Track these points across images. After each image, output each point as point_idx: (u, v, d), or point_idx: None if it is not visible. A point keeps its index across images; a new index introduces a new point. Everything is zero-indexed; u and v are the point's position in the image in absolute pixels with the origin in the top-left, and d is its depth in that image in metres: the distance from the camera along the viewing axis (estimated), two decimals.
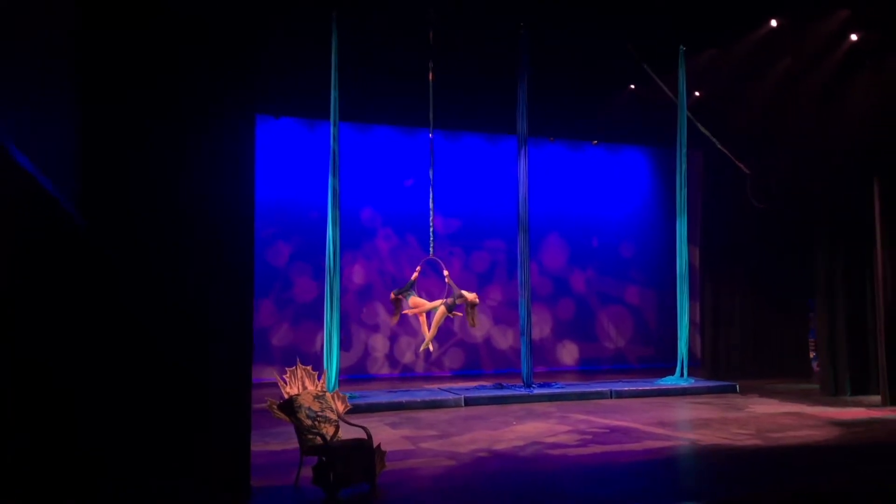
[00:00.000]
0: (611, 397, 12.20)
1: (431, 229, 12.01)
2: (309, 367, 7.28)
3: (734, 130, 14.51)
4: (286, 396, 6.97)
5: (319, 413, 6.94)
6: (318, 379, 7.26)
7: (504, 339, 16.45)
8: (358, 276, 15.33)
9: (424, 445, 8.55)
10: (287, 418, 6.86)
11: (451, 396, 11.46)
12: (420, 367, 15.72)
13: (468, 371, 15.92)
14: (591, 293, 17.26)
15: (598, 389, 12.30)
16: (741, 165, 14.32)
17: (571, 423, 9.97)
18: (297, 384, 7.14)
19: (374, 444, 6.81)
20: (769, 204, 14.44)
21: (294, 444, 8.55)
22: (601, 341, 17.30)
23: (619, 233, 17.51)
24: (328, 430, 6.88)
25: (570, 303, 17.04)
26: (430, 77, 12.00)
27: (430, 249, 12.08)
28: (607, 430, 9.39)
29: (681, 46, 13.44)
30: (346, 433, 7.00)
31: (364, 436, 6.90)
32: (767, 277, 15.39)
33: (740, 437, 8.89)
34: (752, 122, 14.47)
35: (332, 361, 11.04)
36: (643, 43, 13.31)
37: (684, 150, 13.43)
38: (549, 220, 16.55)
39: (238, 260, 6.36)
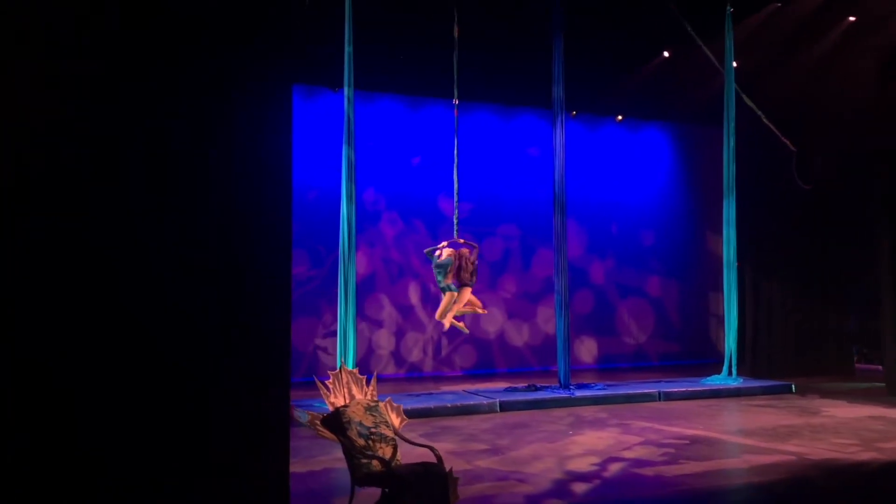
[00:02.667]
0: (659, 399, 10.78)
1: (456, 209, 10.44)
2: (355, 371, 5.69)
3: (775, 103, 13.11)
4: (330, 408, 5.38)
5: (373, 429, 5.35)
6: (367, 385, 5.67)
7: (519, 336, 14.95)
8: (360, 264, 13.64)
9: (481, 464, 7.00)
10: (333, 437, 5.26)
11: (484, 401, 9.92)
12: (428, 367, 14.15)
13: (481, 370, 14.40)
14: (611, 284, 15.84)
15: (646, 391, 10.86)
16: (787, 142, 12.97)
17: (637, 431, 8.49)
18: (343, 392, 5.54)
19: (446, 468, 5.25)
20: (815, 184, 13.11)
21: (323, 462, 6.99)
22: (621, 336, 15.90)
23: (640, 218, 16.10)
24: (385, 452, 5.30)
25: (589, 295, 15.59)
26: (455, 32, 10.41)
27: (455, 232, 10.52)
28: (687, 442, 7.93)
29: (728, 8, 12.02)
30: (402, 452, 5.46)
31: (430, 457, 5.37)
32: (804, 266, 14.01)
33: (849, 448, 7.50)
34: (795, 94, 13.15)
35: (349, 364, 9.45)
36: (685, 3, 11.89)
37: (732, 124, 12.02)
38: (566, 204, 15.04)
39: (276, 255, 4.78)
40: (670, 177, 16.52)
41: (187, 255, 4.44)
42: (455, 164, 10.48)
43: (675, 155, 16.56)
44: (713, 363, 16.28)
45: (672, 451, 7.47)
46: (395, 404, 5.73)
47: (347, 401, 5.47)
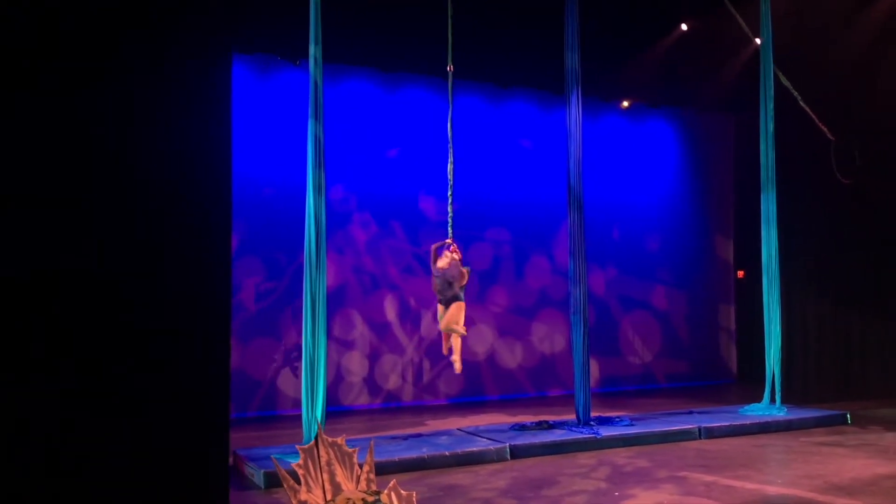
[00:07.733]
0: (700, 437, 8.80)
1: (450, 196, 8.48)
2: (340, 441, 3.53)
3: (810, 85, 11.25)
4: None
5: None
6: (360, 465, 3.51)
7: (511, 356, 12.88)
8: (327, 275, 11.37)
9: None
10: None
11: (490, 446, 7.81)
12: (408, 395, 11.99)
13: (469, 398, 12.29)
14: (613, 296, 13.85)
15: (683, 427, 8.86)
16: (824, 129, 11.14)
17: (702, 491, 6.45)
18: (321, 480, 3.38)
19: None
20: (855, 179, 11.33)
21: None
22: (625, 356, 13.91)
23: (644, 221, 14.16)
24: None
25: (589, 308, 13.51)
26: None
27: (449, 230, 8.52)
28: None
29: None
30: None
31: None
32: (841, 273, 12.15)
33: None
34: (835, 75, 11.38)
35: (318, 399, 7.28)
36: None
37: (771, 104, 10.10)
38: (562, 205, 12.96)
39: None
40: (678, 173, 14.65)
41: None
42: (450, 145, 8.53)
43: (683, 147, 14.70)
44: (725, 384, 14.52)
45: None
46: (403, 492, 3.59)
47: (330, 496, 3.31)
